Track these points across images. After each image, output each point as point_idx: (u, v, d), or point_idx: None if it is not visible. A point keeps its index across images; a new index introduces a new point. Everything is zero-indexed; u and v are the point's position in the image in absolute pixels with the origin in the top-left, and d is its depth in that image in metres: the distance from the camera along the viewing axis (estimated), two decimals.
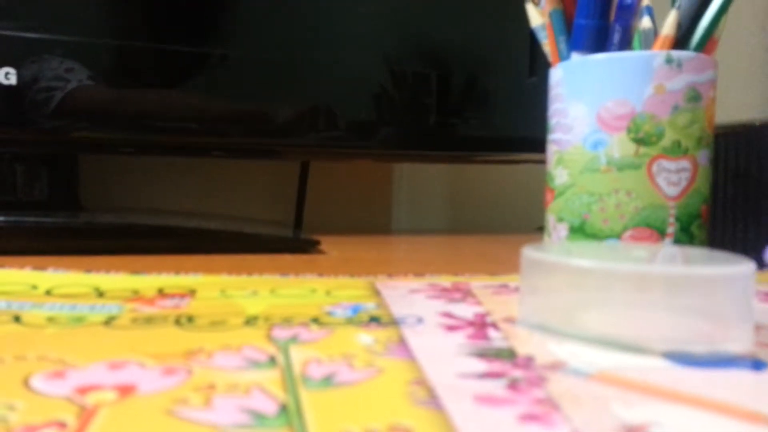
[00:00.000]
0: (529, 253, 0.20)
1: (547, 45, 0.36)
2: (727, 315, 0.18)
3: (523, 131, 0.53)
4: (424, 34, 0.54)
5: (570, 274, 0.19)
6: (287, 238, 0.45)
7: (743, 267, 0.18)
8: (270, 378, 0.14)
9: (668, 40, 0.31)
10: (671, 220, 0.31)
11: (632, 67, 0.31)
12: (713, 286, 0.18)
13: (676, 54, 0.31)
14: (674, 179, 0.31)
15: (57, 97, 0.41)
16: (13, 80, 0.39)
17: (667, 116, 0.31)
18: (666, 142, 0.31)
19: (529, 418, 0.12)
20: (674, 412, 0.13)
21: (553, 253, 0.22)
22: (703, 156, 0.32)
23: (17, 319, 0.20)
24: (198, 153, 0.52)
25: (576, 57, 0.33)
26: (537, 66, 0.54)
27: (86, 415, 0.12)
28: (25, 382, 0.14)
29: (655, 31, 0.32)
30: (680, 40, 0.32)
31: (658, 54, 0.31)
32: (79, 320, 0.20)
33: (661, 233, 0.31)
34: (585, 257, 0.19)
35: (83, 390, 0.13)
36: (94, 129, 0.43)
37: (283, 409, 0.13)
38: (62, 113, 0.42)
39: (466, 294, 0.25)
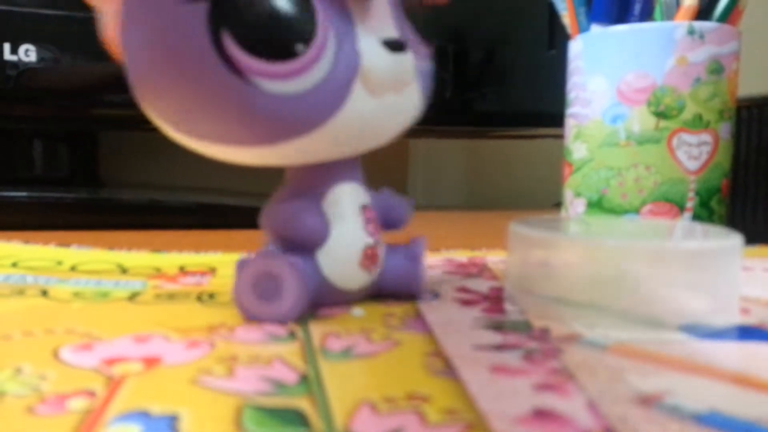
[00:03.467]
0: (537, 230, 0.20)
1: (566, 17, 0.35)
2: (718, 287, 0.18)
3: (541, 105, 0.53)
4: (440, 7, 0.53)
5: (586, 250, 0.19)
6: None
7: (732, 241, 0.18)
8: (290, 350, 0.15)
9: (691, 10, 0.31)
10: (691, 194, 0.31)
11: (653, 38, 0.30)
12: (703, 260, 0.18)
13: (699, 25, 0.30)
14: (695, 153, 0.31)
15: (74, 73, 0.41)
16: (33, 57, 0.40)
17: (689, 89, 0.30)
18: (687, 115, 0.30)
19: (544, 387, 0.12)
20: (689, 382, 0.13)
21: (571, 230, 0.22)
22: (725, 129, 0.31)
23: (44, 293, 0.20)
24: None
25: (596, 29, 0.32)
26: (556, 38, 0.53)
27: (114, 384, 0.12)
28: (55, 354, 0.14)
29: (677, 2, 0.32)
30: (703, 11, 0.31)
31: (680, 25, 0.30)
32: (104, 295, 0.20)
33: (681, 208, 0.31)
34: (602, 234, 0.19)
35: (110, 361, 0.14)
36: (113, 106, 0.44)
37: (304, 378, 0.13)
38: (81, 90, 0.42)
39: (483, 269, 0.25)
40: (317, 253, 0.18)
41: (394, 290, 0.20)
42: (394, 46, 0.17)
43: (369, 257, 0.19)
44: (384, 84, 0.17)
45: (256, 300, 0.17)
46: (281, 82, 0.15)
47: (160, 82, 0.15)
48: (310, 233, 0.18)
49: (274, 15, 0.15)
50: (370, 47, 0.16)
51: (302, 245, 0.18)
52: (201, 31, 0.15)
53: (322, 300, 0.18)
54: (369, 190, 0.20)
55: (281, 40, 0.15)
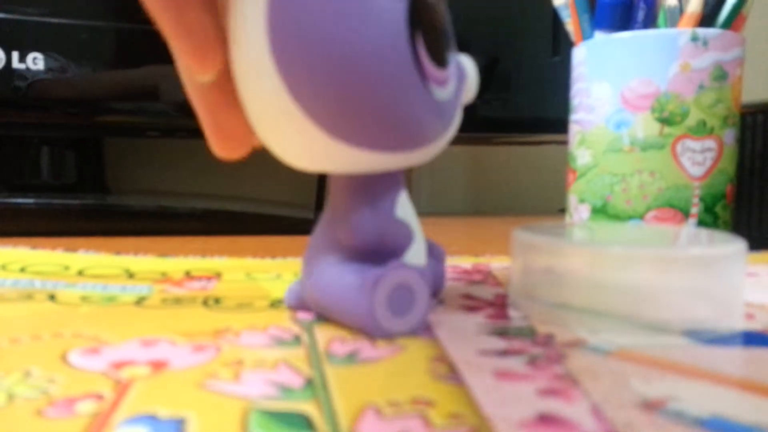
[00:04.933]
0: (541, 237, 0.20)
1: (570, 24, 0.35)
2: (723, 293, 0.18)
3: (545, 112, 0.53)
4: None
5: (591, 256, 0.19)
6: (309, 220, 0.46)
7: (736, 247, 0.18)
8: (295, 355, 0.15)
9: (694, 17, 0.31)
10: (695, 200, 0.31)
11: (657, 45, 0.30)
12: (708, 265, 0.18)
13: (702, 31, 0.30)
14: (699, 159, 0.31)
15: (81, 81, 0.42)
16: (40, 65, 0.40)
17: (692, 95, 0.30)
18: (691, 121, 0.30)
19: (548, 392, 0.12)
20: (693, 387, 0.13)
21: (575, 236, 0.22)
22: (729, 135, 0.31)
23: (52, 297, 0.21)
24: None
25: (599, 36, 0.33)
26: (560, 45, 0.53)
27: (122, 387, 0.13)
28: (63, 358, 0.14)
29: (680, 8, 0.32)
30: (707, 17, 0.31)
31: (683, 32, 0.30)
32: (111, 300, 0.21)
33: (685, 214, 0.31)
34: (605, 240, 0.19)
35: (118, 365, 0.14)
36: (120, 113, 0.44)
37: (309, 383, 0.13)
38: (88, 97, 0.42)
39: (487, 275, 0.26)
40: (403, 259, 0.18)
41: None
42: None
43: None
44: (471, 93, 0.18)
45: (390, 315, 0.16)
46: (441, 88, 0.16)
47: (340, 76, 0.14)
48: (405, 241, 0.17)
49: (444, 21, 0.16)
50: (463, 58, 0.17)
51: (393, 253, 0.17)
52: (401, 30, 0.14)
53: None
54: None
55: (446, 46, 0.16)
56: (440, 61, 0.15)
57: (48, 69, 0.40)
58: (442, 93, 0.16)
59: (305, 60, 0.14)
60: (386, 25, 0.14)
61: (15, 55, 0.40)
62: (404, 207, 0.18)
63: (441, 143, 0.17)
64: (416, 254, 0.18)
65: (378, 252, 0.17)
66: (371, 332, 0.16)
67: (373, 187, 0.17)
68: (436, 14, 0.15)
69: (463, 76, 0.17)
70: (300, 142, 0.15)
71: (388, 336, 0.16)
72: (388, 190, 0.18)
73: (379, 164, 0.16)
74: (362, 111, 0.14)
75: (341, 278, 0.17)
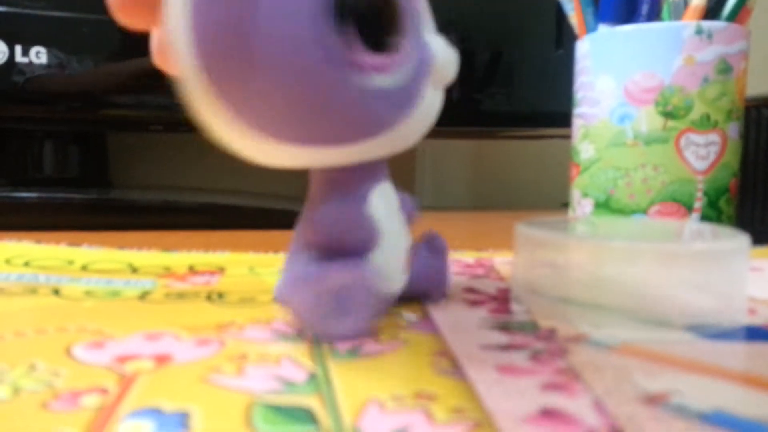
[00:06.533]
0: (544, 231, 0.20)
1: (573, 17, 0.35)
2: (726, 288, 0.18)
3: (548, 106, 0.53)
4: (446, 6, 0.53)
5: (594, 250, 0.19)
6: None
7: (739, 242, 0.18)
8: (299, 349, 0.15)
9: (699, 10, 0.31)
10: (699, 194, 0.31)
11: (661, 38, 0.30)
12: (711, 261, 0.18)
13: (707, 24, 0.30)
14: (702, 153, 0.30)
15: (84, 75, 0.42)
16: (43, 59, 0.40)
17: (697, 89, 0.30)
18: (695, 115, 0.30)
19: (551, 386, 0.12)
20: (696, 381, 0.13)
21: (578, 231, 0.22)
22: (733, 129, 0.31)
23: (56, 292, 0.21)
24: None
25: (603, 29, 0.32)
26: (563, 39, 0.53)
27: (126, 381, 0.13)
28: (68, 352, 0.15)
29: (685, 1, 0.32)
30: (711, 10, 0.31)
31: (687, 25, 0.30)
32: (115, 294, 0.21)
33: (689, 208, 0.31)
34: (607, 234, 0.19)
35: (122, 359, 0.14)
36: (123, 107, 0.44)
37: (312, 377, 0.13)
38: (91, 91, 0.42)
39: (489, 270, 0.26)
40: (368, 258, 0.17)
41: (421, 290, 0.19)
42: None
43: (408, 258, 0.18)
44: (447, 77, 0.16)
45: (328, 317, 0.16)
46: (382, 74, 0.15)
47: (266, 73, 0.13)
48: (367, 239, 0.16)
49: (383, 4, 0.15)
50: (433, 40, 0.16)
51: (355, 251, 0.16)
52: (317, 15, 0.13)
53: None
54: None
55: (389, 29, 0.15)
56: (378, 45, 0.14)
57: (51, 63, 0.40)
58: (386, 79, 0.15)
59: (222, 48, 0.13)
60: (300, 10, 0.13)
61: (18, 49, 0.40)
62: (381, 202, 0.17)
63: (409, 133, 0.16)
64: (388, 253, 0.17)
65: (339, 249, 0.16)
66: (308, 330, 0.16)
67: (342, 181, 0.17)
68: None
69: (427, 58, 0.16)
70: (228, 133, 0.15)
71: (325, 338, 0.16)
72: (359, 184, 0.17)
73: (324, 159, 0.15)
74: (279, 103, 0.14)
75: (293, 274, 0.16)
